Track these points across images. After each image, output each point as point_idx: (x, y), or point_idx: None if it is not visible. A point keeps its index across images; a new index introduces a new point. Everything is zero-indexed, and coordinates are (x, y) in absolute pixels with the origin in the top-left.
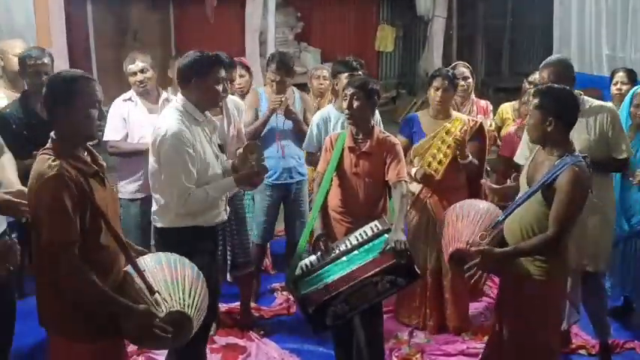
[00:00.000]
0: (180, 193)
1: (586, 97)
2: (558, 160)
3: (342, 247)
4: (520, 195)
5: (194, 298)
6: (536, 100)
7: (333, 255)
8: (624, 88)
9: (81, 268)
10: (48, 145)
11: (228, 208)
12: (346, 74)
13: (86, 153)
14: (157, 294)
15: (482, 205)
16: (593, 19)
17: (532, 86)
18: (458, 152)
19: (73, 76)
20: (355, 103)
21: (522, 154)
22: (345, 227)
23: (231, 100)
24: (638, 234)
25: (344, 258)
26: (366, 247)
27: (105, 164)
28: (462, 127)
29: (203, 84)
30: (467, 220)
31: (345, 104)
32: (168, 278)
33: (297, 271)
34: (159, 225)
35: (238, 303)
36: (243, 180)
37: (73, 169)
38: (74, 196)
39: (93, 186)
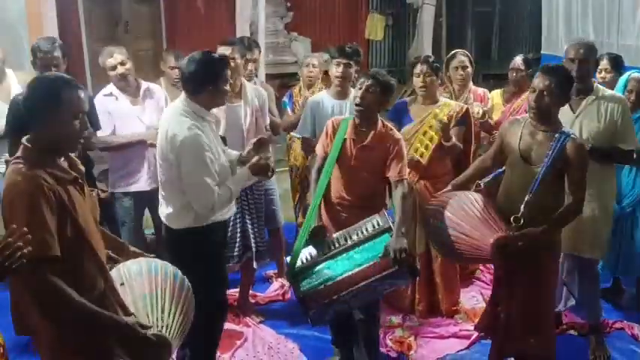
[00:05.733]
0: (208, 197)
1: (599, 86)
2: (557, 134)
3: (342, 242)
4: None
5: (174, 316)
6: (555, 78)
7: (333, 250)
8: (608, 76)
9: (57, 284)
10: (20, 154)
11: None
12: (336, 60)
13: (63, 159)
14: (132, 316)
15: (464, 196)
16: (580, 5)
17: (513, 72)
18: (442, 134)
19: (59, 83)
20: (369, 96)
21: None
22: (342, 218)
23: (252, 88)
24: (628, 216)
25: (344, 255)
26: (366, 245)
27: (83, 169)
28: (448, 112)
29: (215, 89)
30: (475, 214)
31: (358, 92)
32: (147, 290)
33: (298, 264)
34: (174, 227)
35: (234, 290)
36: (257, 170)
37: (51, 178)
38: (53, 208)
39: (72, 194)
